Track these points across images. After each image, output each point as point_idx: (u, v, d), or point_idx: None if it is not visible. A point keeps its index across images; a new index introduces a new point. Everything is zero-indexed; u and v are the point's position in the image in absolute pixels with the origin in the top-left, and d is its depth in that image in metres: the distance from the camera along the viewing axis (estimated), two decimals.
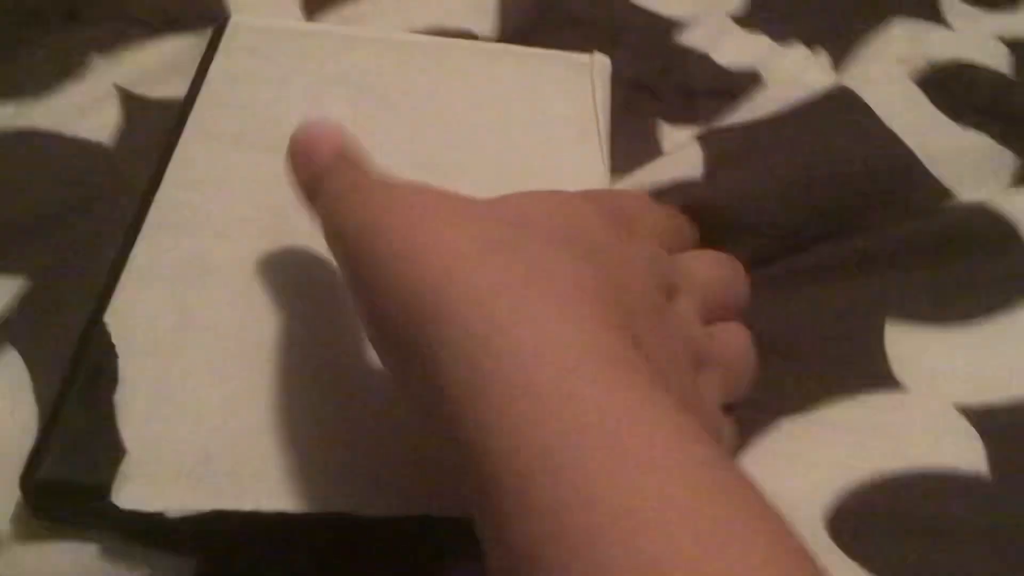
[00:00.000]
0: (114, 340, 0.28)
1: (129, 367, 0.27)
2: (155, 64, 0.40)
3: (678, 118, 0.41)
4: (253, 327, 0.29)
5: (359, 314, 0.23)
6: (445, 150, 0.36)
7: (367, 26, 0.42)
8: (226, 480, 0.25)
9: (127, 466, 0.25)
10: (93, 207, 0.34)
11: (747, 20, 0.45)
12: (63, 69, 0.39)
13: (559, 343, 0.18)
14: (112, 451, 0.25)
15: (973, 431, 0.30)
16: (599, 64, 0.41)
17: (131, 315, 0.29)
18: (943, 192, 0.37)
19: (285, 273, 0.31)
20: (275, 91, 0.37)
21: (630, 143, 0.39)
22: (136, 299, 0.29)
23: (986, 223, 0.35)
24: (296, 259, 0.31)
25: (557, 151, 0.37)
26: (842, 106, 0.39)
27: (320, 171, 0.26)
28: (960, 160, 0.38)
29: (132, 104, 0.38)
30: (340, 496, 0.25)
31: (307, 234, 0.28)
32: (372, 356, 0.27)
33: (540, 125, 0.38)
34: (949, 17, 0.46)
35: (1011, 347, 0.32)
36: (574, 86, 0.40)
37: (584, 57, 0.41)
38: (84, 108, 0.37)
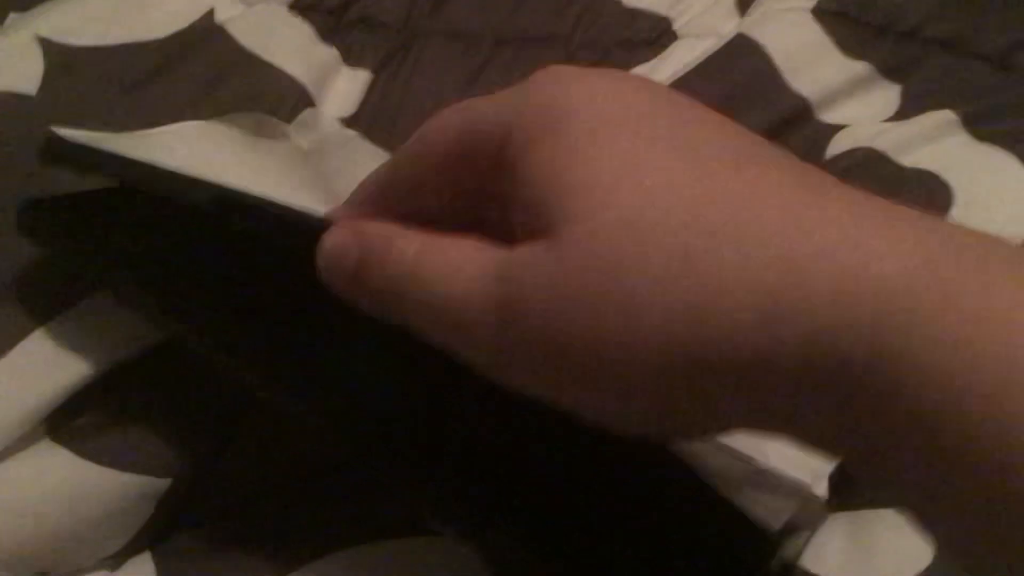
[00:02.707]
0: None
1: None
2: (74, 17, 0.39)
3: None
4: None
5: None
6: None
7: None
8: None
9: None
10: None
11: None
12: None
13: None
14: None
15: None
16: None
17: None
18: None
19: None
20: None
21: None
22: None
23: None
24: None
25: None
26: (741, 56, 0.42)
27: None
28: (844, 93, 0.41)
29: (54, 52, 0.38)
30: None
31: None
32: None
33: None
34: None
35: None
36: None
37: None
38: (7, 60, 0.37)
